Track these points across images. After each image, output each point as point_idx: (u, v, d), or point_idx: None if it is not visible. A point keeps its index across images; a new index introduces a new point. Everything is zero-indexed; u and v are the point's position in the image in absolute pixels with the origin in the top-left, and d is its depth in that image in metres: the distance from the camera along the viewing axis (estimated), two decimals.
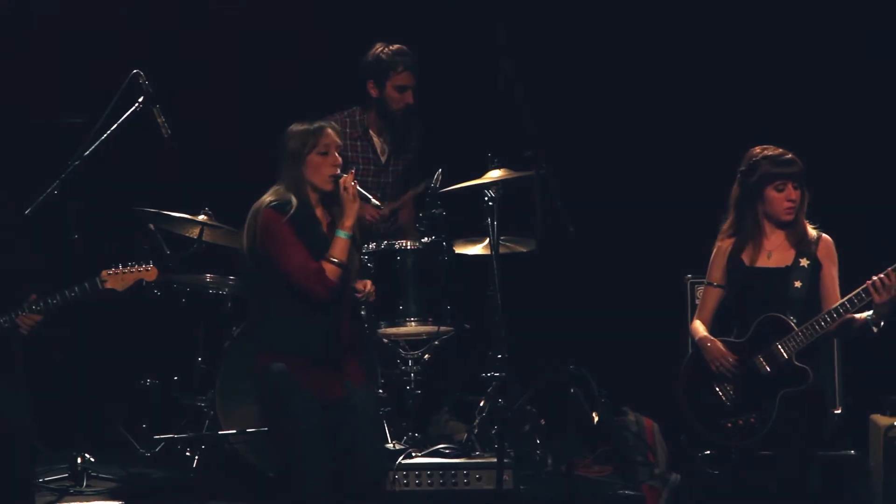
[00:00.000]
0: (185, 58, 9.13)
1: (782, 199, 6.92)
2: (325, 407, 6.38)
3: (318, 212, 6.51)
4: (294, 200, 6.41)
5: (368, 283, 6.56)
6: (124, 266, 6.92)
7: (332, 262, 6.35)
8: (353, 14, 9.11)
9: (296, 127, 6.54)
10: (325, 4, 9.23)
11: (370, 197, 6.81)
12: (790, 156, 6.93)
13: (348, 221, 6.36)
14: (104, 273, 6.89)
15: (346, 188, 6.40)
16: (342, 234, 6.36)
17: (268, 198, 6.46)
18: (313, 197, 6.47)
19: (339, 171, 6.44)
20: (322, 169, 6.40)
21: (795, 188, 6.91)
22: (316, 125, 6.48)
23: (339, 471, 6.36)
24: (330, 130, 6.45)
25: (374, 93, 8.15)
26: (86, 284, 6.86)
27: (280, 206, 6.41)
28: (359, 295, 6.51)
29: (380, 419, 6.63)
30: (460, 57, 9.04)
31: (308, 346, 6.39)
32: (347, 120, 8.21)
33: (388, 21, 8.84)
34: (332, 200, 6.48)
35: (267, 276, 6.40)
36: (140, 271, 6.92)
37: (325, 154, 6.41)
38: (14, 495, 6.72)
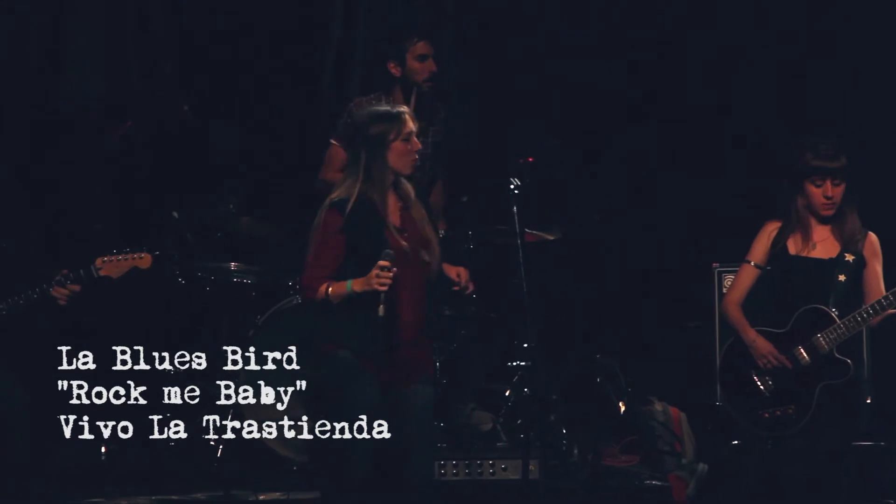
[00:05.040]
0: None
1: (819, 194, 6.75)
2: (383, 391, 6.31)
3: (391, 196, 6.41)
4: (354, 195, 6.33)
5: (464, 272, 6.42)
6: (119, 252, 6.77)
7: (327, 292, 6.24)
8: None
9: (371, 109, 6.47)
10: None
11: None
12: (833, 150, 6.74)
13: (357, 286, 6.20)
14: (98, 260, 6.73)
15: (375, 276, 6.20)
16: (348, 288, 6.21)
17: (335, 194, 6.38)
18: (388, 181, 6.39)
19: (417, 156, 6.38)
20: (405, 156, 6.34)
21: (835, 185, 6.74)
22: (396, 110, 6.39)
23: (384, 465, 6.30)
24: (408, 117, 6.35)
25: (396, 72, 7.85)
26: (81, 272, 6.70)
27: (340, 205, 6.32)
28: (455, 288, 6.40)
29: (431, 423, 6.43)
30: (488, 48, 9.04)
31: (356, 341, 6.32)
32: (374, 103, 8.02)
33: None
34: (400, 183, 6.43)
35: None
36: (134, 258, 6.76)
37: (407, 141, 6.34)
38: (9, 481, 6.66)
